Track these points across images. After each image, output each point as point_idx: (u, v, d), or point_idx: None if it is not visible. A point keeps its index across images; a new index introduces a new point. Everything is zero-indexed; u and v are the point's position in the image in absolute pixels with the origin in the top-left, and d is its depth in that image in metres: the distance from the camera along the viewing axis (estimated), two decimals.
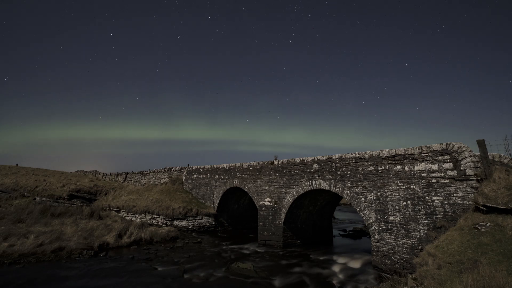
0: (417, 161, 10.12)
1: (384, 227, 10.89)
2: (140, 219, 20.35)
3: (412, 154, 10.28)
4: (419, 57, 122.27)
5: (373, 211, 11.34)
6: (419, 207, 9.89)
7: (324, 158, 13.68)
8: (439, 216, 9.34)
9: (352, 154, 12.46)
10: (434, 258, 6.54)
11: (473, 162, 8.79)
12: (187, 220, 20.11)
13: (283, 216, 15.45)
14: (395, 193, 10.67)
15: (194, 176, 23.39)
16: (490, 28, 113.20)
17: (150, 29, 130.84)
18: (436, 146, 9.70)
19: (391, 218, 10.72)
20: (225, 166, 20.31)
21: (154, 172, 28.55)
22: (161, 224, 19.99)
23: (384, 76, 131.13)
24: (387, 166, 11.02)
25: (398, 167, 10.67)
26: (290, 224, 15.74)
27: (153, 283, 9.90)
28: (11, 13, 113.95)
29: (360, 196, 11.84)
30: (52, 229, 14.94)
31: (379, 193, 11.20)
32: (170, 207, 20.34)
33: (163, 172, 27.27)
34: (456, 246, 6.78)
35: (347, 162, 12.57)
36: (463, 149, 9.08)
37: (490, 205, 7.39)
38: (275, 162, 16.47)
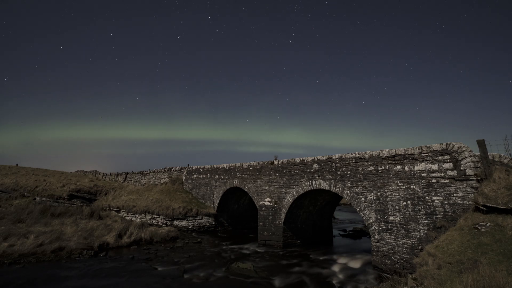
0: (417, 161, 10.12)
1: (384, 227, 10.89)
2: (140, 219, 20.35)
3: (412, 154, 10.28)
4: (419, 57, 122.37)
5: (373, 211, 11.34)
6: (419, 207, 9.89)
7: (324, 158, 13.68)
8: (439, 216, 9.34)
9: (352, 154, 12.46)
10: (434, 258, 6.54)
11: (473, 162, 8.79)
12: (187, 220, 20.11)
13: (283, 216, 15.45)
14: (395, 193, 10.67)
15: (194, 176, 23.40)
16: (490, 28, 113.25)
17: (150, 29, 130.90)
18: (436, 146, 9.70)
19: (391, 218, 10.72)
20: (225, 166, 20.31)
21: (154, 172, 28.55)
22: (161, 224, 19.99)
23: (384, 76, 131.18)
24: (387, 166, 11.02)
25: (398, 167, 10.67)
26: (290, 224, 15.74)
27: (153, 283, 9.90)
28: (11, 13, 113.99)
29: (360, 196, 11.84)
30: (52, 229, 14.94)
31: (379, 193, 11.20)
32: (170, 207, 20.34)
33: (163, 172, 27.27)
34: (456, 246, 6.78)
35: (347, 162, 12.57)
36: (463, 149, 9.08)
37: (490, 205, 7.39)
38: (275, 162, 16.47)
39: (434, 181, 9.60)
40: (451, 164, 9.24)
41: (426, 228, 9.62)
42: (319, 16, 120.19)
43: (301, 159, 14.93)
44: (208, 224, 20.43)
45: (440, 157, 9.54)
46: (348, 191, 12.35)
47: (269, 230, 15.82)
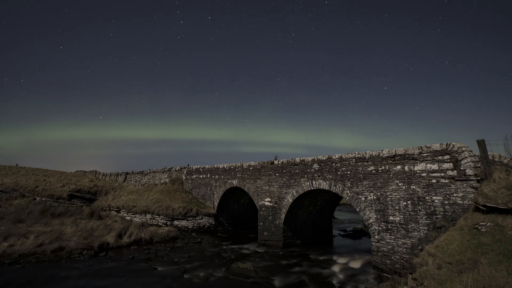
0: (417, 161, 10.12)
1: (384, 227, 10.89)
2: (140, 219, 20.35)
3: (412, 154, 10.28)
4: (419, 57, 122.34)
5: (373, 211, 11.34)
6: (419, 207, 9.89)
7: (324, 158, 13.68)
8: (439, 216, 9.34)
9: (352, 154, 12.46)
10: (434, 258, 6.54)
11: (473, 162, 8.79)
12: (187, 220, 20.11)
13: (283, 216, 15.45)
14: (395, 193, 10.67)
15: (194, 176, 23.40)
16: (490, 28, 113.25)
17: (150, 29, 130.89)
18: (436, 146, 9.70)
19: (391, 218, 10.72)
20: (225, 166, 20.31)
21: (154, 172, 28.55)
22: (161, 224, 19.99)
23: (384, 76, 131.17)
24: (387, 166, 11.02)
25: (398, 167, 10.67)
26: (290, 224, 15.74)
27: (153, 283, 9.90)
28: (11, 13, 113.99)
29: (360, 196, 11.84)
30: (52, 229, 14.94)
31: (379, 193, 11.20)
32: (170, 207, 20.34)
33: (163, 172, 27.27)
34: (456, 246, 6.78)
35: (347, 162, 12.57)
36: (463, 149, 9.08)
37: (490, 205, 7.39)
38: (275, 162, 16.47)
39: (434, 181, 9.60)
40: (451, 164, 9.24)
41: (426, 228, 9.62)
42: (319, 16, 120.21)
43: (301, 159, 14.93)
44: (208, 224, 20.43)
45: (440, 157, 9.54)
46: (348, 191, 12.35)
47: (269, 230, 15.81)
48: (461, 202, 8.86)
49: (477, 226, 7.20)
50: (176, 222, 20.05)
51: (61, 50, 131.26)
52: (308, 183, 14.23)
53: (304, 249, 15.03)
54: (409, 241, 10.07)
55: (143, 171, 30.53)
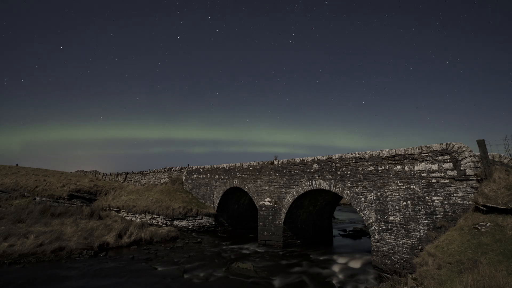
0: (417, 161, 10.12)
1: (384, 227, 10.89)
2: (140, 219, 20.35)
3: (412, 154, 10.28)
4: (419, 57, 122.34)
5: (373, 211, 11.34)
6: (419, 207, 9.89)
7: (324, 158, 13.68)
8: (439, 216, 9.34)
9: (352, 154, 12.46)
10: (434, 258, 6.54)
11: (473, 162, 8.79)
12: (187, 220, 20.11)
13: (283, 216, 15.45)
14: (395, 193, 10.67)
15: (194, 176, 23.40)
16: (490, 28, 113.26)
17: (150, 29, 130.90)
18: (436, 146, 9.70)
19: (391, 218, 10.72)
20: (225, 166, 20.31)
21: (154, 172, 28.55)
22: (161, 224, 19.99)
23: (384, 76, 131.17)
24: (387, 166, 11.02)
25: (398, 167, 10.67)
26: (290, 224, 15.74)
27: (153, 283, 9.90)
28: (11, 13, 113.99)
29: (360, 196, 11.84)
30: (52, 229, 14.94)
31: (379, 193, 11.20)
32: (170, 207, 20.34)
33: (163, 172, 27.27)
34: (456, 246, 6.78)
35: (347, 162, 12.57)
36: (463, 149, 9.08)
37: (490, 205, 7.39)
38: (275, 162, 16.47)
39: (434, 181, 9.60)
40: (451, 164, 9.24)
41: (426, 228, 9.62)
42: (319, 16, 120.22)
43: (301, 159, 14.93)
44: (208, 224, 20.43)
45: (440, 157, 9.54)
46: (348, 191, 12.35)
47: (269, 230, 15.81)
48: (461, 202, 8.86)
49: (477, 226, 7.20)
50: (176, 222, 20.05)
51: (61, 50, 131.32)
52: (308, 183, 14.23)
53: (304, 249, 15.03)
54: (409, 241, 10.07)
55: (143, 171, 30.53)
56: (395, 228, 10.56)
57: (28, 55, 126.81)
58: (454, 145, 9.28)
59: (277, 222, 15.68)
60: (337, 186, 12.83)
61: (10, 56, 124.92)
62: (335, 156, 13.18)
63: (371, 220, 11.36)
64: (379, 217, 11.12)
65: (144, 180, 29.49)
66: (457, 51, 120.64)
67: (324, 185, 13.43)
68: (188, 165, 25.36)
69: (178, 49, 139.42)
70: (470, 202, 8.53)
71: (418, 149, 10.16)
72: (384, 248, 10.82)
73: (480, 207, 7.64)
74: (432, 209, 9.54)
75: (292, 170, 15.27)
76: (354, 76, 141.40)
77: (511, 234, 6.41)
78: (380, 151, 11.40)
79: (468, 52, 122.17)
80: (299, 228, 16.13)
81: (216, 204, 20.84)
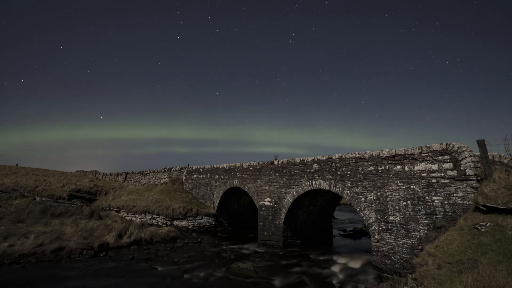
0: (417, 161, 10.12)
1: (384, 227, 10.89)
2: (140, 219, 20.36)
3: (412, 154, 10.28)
4: (419, 57, 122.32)
5: (373, 211, 11.34)
6: (419, 207, 9.89)
7: (324, 158, 13.68)
8: (439, 216, 9.34)
9: (352, 154, 12.46)
10: (434, 258, 6.54)
11: (473, 162, 8.79)
12: (187, 220, 20.11)
13: (283, 216, 15.45)
14: (395, 193, 10.67)
15: (194, 176, 23.40)
16: (490, 28, 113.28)
17: (150, 29, 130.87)
18: (436, 146, 9.70)
19: (391, 218, 10.72)
20: (225, 166, 20.31)
21: (154, 172, 28.55)
22: (161, 224, 19.99)
23: (384, 76, 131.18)
24: (387, 166, 11.02)
25: (398, 167, 10.67)
26: (290, 224, 15.74)
27: (153, 283, 9.91)
28: (11, 13, 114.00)
29: (360, 196, 11.84)
30: (52, 229, 14.94)
31: (379, 193, 11.20)
32: (170, 207, 20.34)
33: (163, 172, 27.27)
34: (456, 246, 6.78)
35: (347, 162, 12.57)
36: (463, 149, 9.08)
37: (490, 205, 7.39)
38: (275, 162, 16.47)
39: (434, 181, 9.60)
40: (451, 164, 9.24)
41: (426, 228, 9.62)
42: (319, 16, 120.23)
43: (301, 159, 14.93)
44: (208, 224, 20.43)
45: (440, 157, 9.54)
46: (348, 191, 12.35)
47: (269, 230, 15.82)
48: (461, 202, 8.86)
49: (477, 226, 7.20)
50: (176, 222, 20.05)
51: (61, 50, 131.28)
52: (308, 183, 14.23)
53: (304, 249, 15.03)
54: (409, 241, 10.07)
55: (143, 171, 30.53)
56: (395, 228, 10.56)
57: (28, 55, 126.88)
58: (454, 145, 9.28)
59: (277, 222, 15.68)
60: (337, 186, 12.83)
61: (10, 56, 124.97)
62: (335, 156, 13.18)
63: (371, 220, 11.36)
64: (379, 217, 11.12)
65: (144, 180, 29.49)
66: (457, 51, 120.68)
67: (324, 185, 13.43)
68: (188, 165, 25.37)
69: (178, 49, 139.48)
70: (470, 202, 8.53)
71: (418, 149, 10.16)
72: (384, 248, 10.82)
73: (480, 207, 7.64)
74: (432, 209, 9.54)
75: (292, 170, 15.27)
76: (354, 76, 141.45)
77: (511, 234, 6.41)
78: (380, 151, 11.40)
79: (468, 52, 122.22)
80: (299, 228, 16.13)
81: (216, 204, 20.84)
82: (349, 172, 12.42)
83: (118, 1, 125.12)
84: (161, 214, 20.14)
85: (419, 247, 9.49)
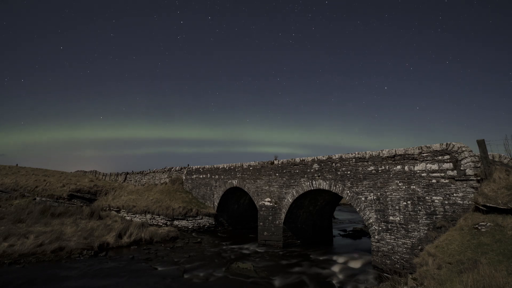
0: (417, 161, 10.12)
1: (384, 227, 10.89)
2: (140, 219, 20.36)
3: (412, 154, 10.28)
4: (419, 57, 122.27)
5: (373, 211, 11.34)
6: (419, 207, 9.89)
7: (324, 158, 13.68)
8: (439, 216, 9.34)
9: (352, 154, 12.46)
10: (434, 258, 6.54)
11: (473, 162, 8.79)
12: (187, 220, 20.11)
13: (283, 216, 15.45)
14: (395, 193, 10.67)
15: (194, 176, 23.40)
16: (490, 28, 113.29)
17: (150, 29, 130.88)
18: (436, 146, 9.70)
19: (391, 218, 10.72)
20: (225, 166, 20.31)
21: (154, 172, 28.55)
22: (161, 224, 19.99)
23: (384, 76, 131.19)
24: (387, 166, 11.02)
25: (398, 167, 10.67)
26: (290, 224, 15.74)
27: (153, 283, 9.91)
28: (11, 13, 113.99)
29: (360, 196, 11.84)
30: (52, 229, 14.94)
31: (379, 193, 11.20)
32: (170, 207, 20.35)
33: (163, 172, 27.27)
34: (456, 246, 6.78)
35: (347, 162, 12.57)
36: (463, 149, 9.08)
37: (490, 205, 7.39)
38: (275, 162, 16.47)
39: (434, 181, 9.60)
40: (451, 164, 9.24)
41: (426, 228, 9.62)
42: (319, 16, 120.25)
43: (301, 159, 14.93)
44: (208, 224, 20.43)
45: (440, 157, 9.54)
46: (348, 191, 12.35)
47: (269, 230, 15.82)
48: (461, 202, 8.86)
49: (477, 226, 7.20)
50: (176, 222, 20.05)
51: (61, 50, 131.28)
52: (308, 183, 14.23)
53: (304, 249, 15.03)
54: (409, 241, 10.07)
55: (143, 171, 30.53)
56: (395, 228, 10.56)
57: (28, 55, 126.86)
58: (454, 145, 9.28)
59: (277, 222, 15.68)
60: (337, 186, 12.83)
61: (10, 56, 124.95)
62: (335, 156, 13.18)
63: (371, 220, 11.36)
64: (379, 217, 11.12)
65: (144, 180, 29.49)
66: (457, 51, 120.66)
67: (324, 185, 13.43)
68: (188, 165, 25.37)
69: (178, 49, 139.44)
70: (470, 202, 8.53)
71: (418, 149, 10.16)
72: (384, 248, 10.82)
73: (480, 207, 7.64)
74: (432, 209, 9.54)
75: (292, 170, 15.27)
76: (354, 76, 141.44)
77: (511, 234, 6.41)
78: (380, 151, 11.40)
79: (468, 52, 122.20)
80: (299, 228, 16.12)
81: (216, 204, 20.84)
82: (349, 172, 12.42)
83: (118, 1, 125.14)
84: (161, 214, 20.13)
85: (419, 247, 9.49)
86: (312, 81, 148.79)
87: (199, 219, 20.31)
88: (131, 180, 31.81)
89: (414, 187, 10.10)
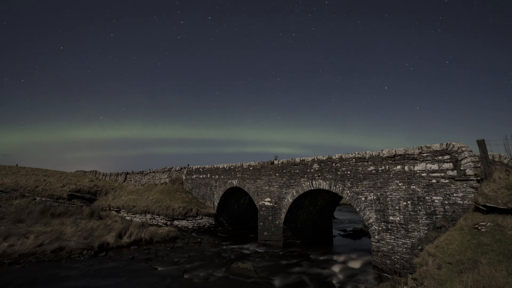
0: (417, 161, 10.12)
1: (384, 227, 10.89)
2: (140, 219, 20.35)
3: (412, 154, 10.28)
4: (419, 57, 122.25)
5: (373, 211, 11.34)
6: (419, 207, 9.89)
7: (324, 158, 13.68)
8: (439, 216, 9.34)
9: (352, 154, 12.46)
10: (434, 258, 6.54)
11: (473, 162, 8.79)
12: (187, 220, 20.11)
13: (283, 216, 15.45)
14: (395, 193, 10.67)
15: (194, 176, 23.40)
16: (490, 28, 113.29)
17: (150, 29, 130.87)
18: (436, 146, 9.70)
19: (391, 218, 10.72)
20: (225, 166, 20.31)
21: (154, 172, 28.55)
22: (161, 224, 19.99)
23: (384, 76, 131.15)
24: (387, 166, 11.02)
25: (398, 167, 10.67)
26: (290, 224, 15.74)
27: (153, 283, 9.90)
28: (11, 13, 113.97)
29: (360, 196, 11.84)
30: (52, 229, 14.94)
31: (379, 193, 11.20)
32: (170, 207, 20.34)
33: (163, 172, 27.27)
34: (456, 246, 6.78)
35: (347, 162, 12.57)
36: (463, 149, 9.08)
37: (490, 205, 7.39)
38: (275, 162, 16.47)
39: (434, 181, 9.60)
40: (451, 164, 9.24)
41: (426, 228, 9.62)
42: (319, 16, 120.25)
43: (301, 159, 14.93)
44: (208, 224, 20.43)
45: (440, 157, 9.54)
46: (348, 191, 12.35)
47: (269, 230, 15.81)
48: (461, 202, 8.86)
49: (477, 226, 7.20)
50: (176, 222, 20.05)
51: (61, 50, 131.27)
52: (308, 183, 14.23)
53: (304, 249, 15.03)
54: (409, 241, 10.07)
55: (143, 171, 30.53)
56: (395, 228, 10.56)
57: (28, 55, 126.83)
58: (454, 145, 9.28)
59: (277, 222, 15.68)
60: (337, 186, 12.83)
61: (10, 56, 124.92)
62: (335, 156, 13.18)
63: (371, 220, 11.36)
64: (379, 217, 11.12)
65: (144, 180, 29.49)
66: (457, 51, 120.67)
67: (324, 185, 13.43)
68: (188, 165, 25.37)
69: (178, 49, 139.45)
70: (470, 202, 8.53)
71: (418, 149, 10.16)
72: (384, 248, 10.82)
73: (480, 207, 7.63)
74: (432, 209, 9.54)
75: (292, 170, 15.27)
76: (354, 76, 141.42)
77: (511, 234, 6.41)
78: (380, 151, 11.40)
79: (468, 52, 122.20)
80: (299, 228, 16.12)
81: (216, 204, 20.84)
82: (349, 172, 12.42)
83: (118, 1, 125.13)
84: (161, 214, 20.13)
85: (419, 247, 9.49)
86: (312, 81, 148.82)
87: (199, 219, 20.31)
88: (131, 180, 31.81)
89: (414, 187, 10.10)
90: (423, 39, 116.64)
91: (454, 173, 9.12)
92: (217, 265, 12.06)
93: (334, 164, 13.12)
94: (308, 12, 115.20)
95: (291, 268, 11.80)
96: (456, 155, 9.16)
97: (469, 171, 8.80)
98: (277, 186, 16.06)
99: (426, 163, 9.87)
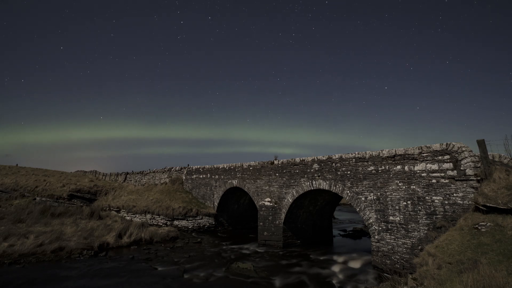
0: (417, 161, 10.12)
1: (384, 227, 10.89)
2: (140, 219, 20.36)
3: (412, 154, 10.28)
4: (419, 57, 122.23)
5: (373, 211, 11.34)
6: (419, 207, 9.89)
7: (324, 158, 13.68)
8: (439, 216, 9.34)
9: (352, 154, 12.46)
10: (434, 258, 6.54)
11: (473, 162, 8.79)
12: (187, 220, 20.11)
13: (283, 216, 15.45)
14: (395, 193, 10.67)
15: (194, 176, 23.40)
16: (490, 28, 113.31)
17: (150, 29, 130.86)
18: (436, 146, 9.70)
19: (391, 218, 10.72)
20: (225, 166, 20.31)
21: (154, 172, 28.55)
22: (161, 224, 19.99)
23: (384, 76, 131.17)
24: (387, 166, 11.02)
25: (398, 167, 10.67)
26: (290, 224, 15.74)
27: (153, 283, 9.91)
28: (11, 13, 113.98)
29: (360, 196, 11.84)
30: (52, 229, 14.94)
31: (379, 193, 11.20)
32: (170, 207, 20.35)
33: (163, 172, 27.27)
34: (456, 246, 6.78)
35: (347, 162, 12.57)
36: (463, 149, 9.08)
37: (490, 205, 7.39)
38: (275, 162, 16.47)
39: (434, 181, 9.60)
40: (451, 164, 9.24)
41: (426, 228, 9.62)
42: (319, 16, 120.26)
43: (301, 159, 14.93)
44: (208, 224, 20.43)
45: (440, 157, 9.54)
46: (348, 191, 12.35)
47: (269, 230, 15.82)
48: (461, 202, 8.87)
49: (477, 226, 7.20)
50: (176, 222, 20.05)
51: (61, 50, 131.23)
52: (308, 183, 14.23)
53: (304, 249, 15.03)
54: (409, 241, 10.07)
55: (143, 171, 30.54)
56: (395, 228, 10.56)
57: (28, 55, 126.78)
58: (454, 145, 9.28)
59: (277, 222, 15.68)
60: (337, 186, 12.83)
61: (10, 56, 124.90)
62: (335, 156, 13.18)
63: (371, 220, 11.36)
64: (379, 217, 11.12)
65: (144, 180, 29.50)
66: (457, 51, 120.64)
67: (324, 185, 13.43)
68: (188, 165, 25.37)
69: (178, 49, 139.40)
70: (470, 202, 8.53)
71: (418, 149, 10.16)
72: (384, 248, 10.82)
73: (480, 207, 7.64)
74: (432, 209, 9.54)
75: (292, 170, 15.27)
76: (354, 76, 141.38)
77: (511, 234, 6.41)
78: (380, 151, 11.40)
79: (468, 52, 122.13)
80: (299, 228, 16.13)
81: (216, 204, 20.84)
82: (349, 172, 12.42)
83: (118, 1, 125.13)
84: (161, 214, 20.14)
85: (419, 247, 9.49)
86: (312, 81, 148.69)
87: (199, 219, 20.31)
88: (131, 180, 31.81)
89: (414, 187, 10.10)
90: (423, 39, 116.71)
91: (454, 173, 9.12)
92: (217, 265, 12.06)
93: (334, 164, 13.12)
94: (308, 12, 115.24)
95: (291, 268, 11.80)
96: (456, 155, 9.16)
97: (469, 171, 8.80)
98: (277, 186, 16.06)
99: (426, 163, 9.87)
